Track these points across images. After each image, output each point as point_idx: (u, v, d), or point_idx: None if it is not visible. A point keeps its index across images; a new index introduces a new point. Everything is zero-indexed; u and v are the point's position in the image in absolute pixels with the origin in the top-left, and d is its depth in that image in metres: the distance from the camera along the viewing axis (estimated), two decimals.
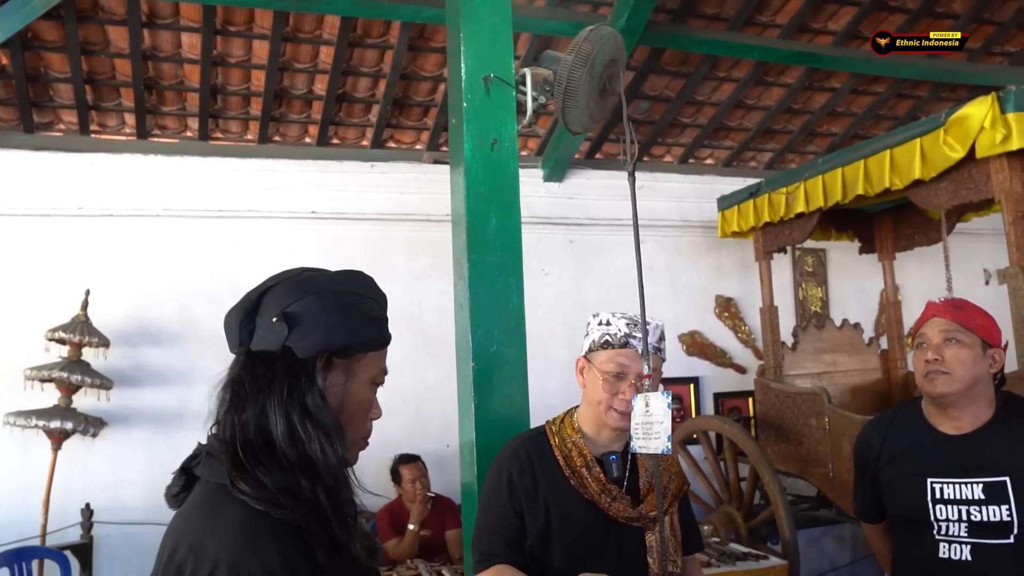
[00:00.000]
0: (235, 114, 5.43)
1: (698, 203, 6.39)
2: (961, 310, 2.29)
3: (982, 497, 2.17)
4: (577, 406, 2.07)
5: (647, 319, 1.93)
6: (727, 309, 6.50)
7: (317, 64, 5.16)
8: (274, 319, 1.23)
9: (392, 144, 5.96)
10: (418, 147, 5.99)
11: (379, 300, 1.36)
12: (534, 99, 2.93)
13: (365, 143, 5.85)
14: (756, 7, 5.28)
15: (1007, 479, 2.15)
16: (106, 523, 4.93)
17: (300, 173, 5.61)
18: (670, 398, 1.57)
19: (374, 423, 1.35)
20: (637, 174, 6.93)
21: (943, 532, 2.22)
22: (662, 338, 1.98)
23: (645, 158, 6.50)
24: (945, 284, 5.51)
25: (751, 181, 5.74)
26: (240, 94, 5.29)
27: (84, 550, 4.74)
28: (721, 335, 6.51)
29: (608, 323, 1.97)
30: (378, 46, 5.10)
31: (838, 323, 5.65)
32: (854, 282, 6.84)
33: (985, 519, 2.16)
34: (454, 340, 5.71)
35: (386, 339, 1.34)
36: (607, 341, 1.95)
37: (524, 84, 2.95)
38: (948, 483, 2.22)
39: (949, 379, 2.22)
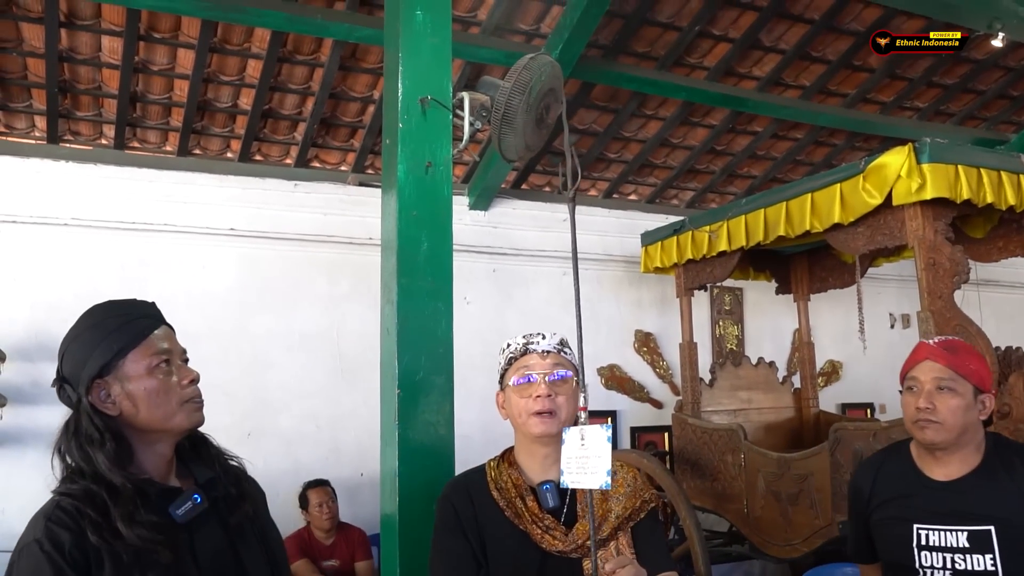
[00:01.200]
0: (154, 124, 5.24)
1: (620, 238, 6.46)
2: (955, 355, 2.24)
3: (967, 545, 2.15)
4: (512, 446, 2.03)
5: (550, 334, 1.98)
6: (646, 344, 6.56)
7: (244, 77, 5.03)
8: (57, 387, 1.59)
9: (316, 164, 5.84)
10: (343, 168, 5.89)
11: (118, 313, 1.62)
12: (471, 124, 2.90)
13: (289, 161, 5.73)
14: (685, 49, 5.40)
15: (992, 528, 2.13)
16: None
17: (220, 188, 5.43)
18: (610, 431, 1.52)
19: (202, 396, 1.66)
20: (562, 206, 6.94)
21: None
22: (564, 343, 2.00)
23: None
24: (857, 326, 5.70)
25: (673, 218, 5.84)
26: (161, 103, 5.11)
27: None
28: (639, 369, 6.56)
29: (508, 345, 2.01)
30: (308, 63, 5.01)
31: (754, 361, 5.75)
32: (768, 321, 7.00)
33: (969, 568, 2.14)
34: (374, 365, 5.58)
35: (135, 338, 1.58)
36: (511, 359, 1.98)
37: (461, 108, 2.92)
38: (934, 530, 2.20)
39: (939, 428, 2.19)
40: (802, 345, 5.91)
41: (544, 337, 1.98)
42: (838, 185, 4.08)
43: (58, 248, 5.04)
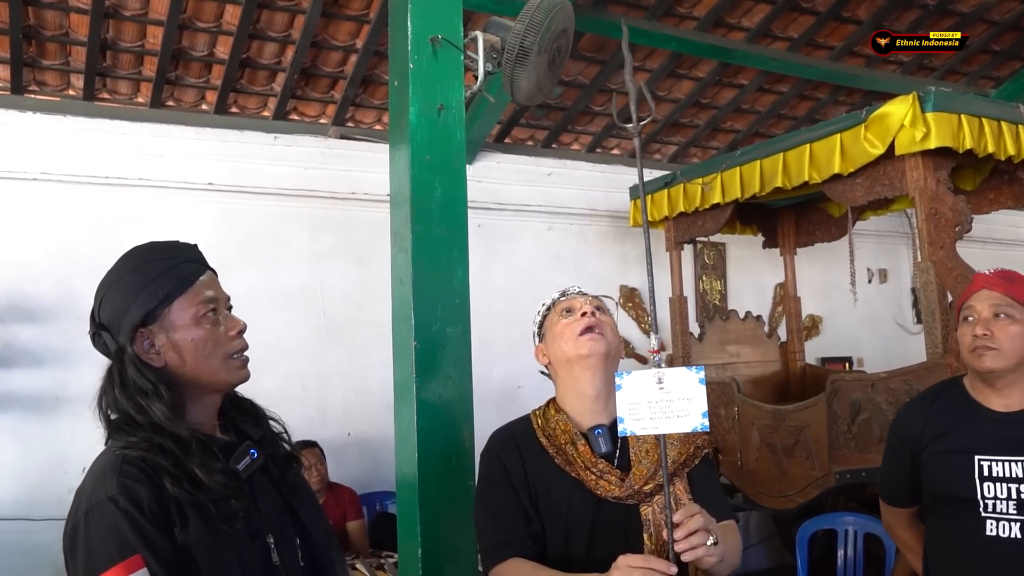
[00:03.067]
0: (126, 73, 4.99)
1: (605, 192, 6.38)
2: (1013, 283, 2.21)
3: None
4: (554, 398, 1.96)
5: (584, 291, 2.00)
6: (631, 299, 6.52)
7: (221, 24, 4.80)
8: (91, 333, 1.49)
9: (295, 116, 5.64)
10: (323, 121, 5.70)
11: (163, 256, 1.50)
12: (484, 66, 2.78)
13: (267, 113, 5.52)
14: None
15: None
16: None
17: (197, 141, 5.21)
18: (702, 373, 1.44)
19: (246, 338, 1.54)
20: (547, 160, 6.77)
21: (991, 510, 2.15)
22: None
23: (554, 145, 6.45)
24: (837, 280, 5.73)
25: (657, 172, 5.77)
26: (133, 52, 4.86)
27: None
28: (624, 325, 6.51)
29: (543, 304, 2.02)
30: (288, 9, 4.79)
31: (741, 315, 5.75)
32: (750, 276, 7.00)
33: None
34: (358, 323, 5.45)
35: (181, 284, 1.47)
36: (549, 307, 1.98)
37: (473, 50, 2.80)
38: (996, 460, 2.15)
39: (997, 355, 2.15)
40: (788, 299, 5.91)
41: (579, 287, 2.03)
42: (838, 135, 4.04)
43: (27, 204, 4.81)
